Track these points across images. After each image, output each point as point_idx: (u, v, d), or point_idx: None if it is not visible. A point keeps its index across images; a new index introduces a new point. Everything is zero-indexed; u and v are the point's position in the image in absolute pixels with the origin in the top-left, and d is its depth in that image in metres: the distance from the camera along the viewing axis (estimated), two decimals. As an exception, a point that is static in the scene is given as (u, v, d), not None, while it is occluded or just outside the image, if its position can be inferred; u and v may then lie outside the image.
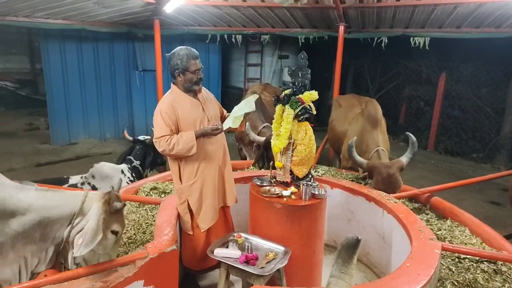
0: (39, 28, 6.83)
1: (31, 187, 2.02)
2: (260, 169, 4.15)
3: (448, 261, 2.46)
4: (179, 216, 2.87)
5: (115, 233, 2.09)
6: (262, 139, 4.18)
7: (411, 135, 3.59)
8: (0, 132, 8.86)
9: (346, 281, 1.24)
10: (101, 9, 5.89)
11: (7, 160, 6.95)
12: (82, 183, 3.84)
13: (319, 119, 9.40)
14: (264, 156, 4.16)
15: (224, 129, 2.78)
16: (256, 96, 2.91)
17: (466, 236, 2.80)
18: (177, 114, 2.68)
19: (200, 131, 2.69)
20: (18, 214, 1.90)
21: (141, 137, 4.66)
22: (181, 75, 2.70)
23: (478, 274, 2.30)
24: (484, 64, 7.99)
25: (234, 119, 2.76)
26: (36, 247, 1.99)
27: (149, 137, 4.57)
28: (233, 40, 7.62)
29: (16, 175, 5.92)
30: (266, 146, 4.06)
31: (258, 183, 2.98)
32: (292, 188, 2.82)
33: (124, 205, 2.10)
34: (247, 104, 2.77)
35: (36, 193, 1.98)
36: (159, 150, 2.67)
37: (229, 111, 3.13)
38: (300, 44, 7.24)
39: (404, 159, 3.51)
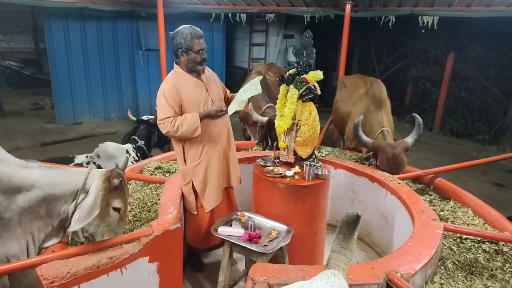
0: (42, 7, 6.76)
1: (35, 164, 2.06)
2: (264, 149, 4.16)
3: (450, 241, 2.48)
4: (183, 196, 2.90)
5: (117, 210, 2.13)
6: (265, 119, 4.17)
7: (417, 116, 3.57)
8: (7, 112, 8.89)
9: (347, 256, 1.26)
10: (104, -14, 5.80)
11: (14, 139, 7.01)
12: (88, 163, 3.87)
13: (324, 100, 9.34)
14: (268, 136, 4.17)
15: (230, 113, 2.76)
16: (260, 77, 2.89)
17: (468, 217, 2.81)
18: (180, 95, 2.65)
19: (204, 113, 2.68)
20: (24, 190, 1.94)
21: (144, 117, 4.67)
22: (184, 54, 2.65)
23: (479, 254, 2.32)
24: (493, 44, 7.82)
25: (240, 102, 2.74)
26: (42, 223, 2.04)
27: (152, 117, 4.57)
28: (238, 19, 7.49)
29: (23, 154, 5.99)
30: (269, 126, 4.05)
31: (262, 163, 2.99)
32: (296, 168, 2.82)
33: (121, 181, 2.11)
34: (253, 87, 2.74)
35: (40, 170, 2.02)
36: (163, 131, 2.66)
37: (233, 92, 3.11)
38: (306, 23, 7.11)
39: (410, 139, 3.49)
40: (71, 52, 7.88)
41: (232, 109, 2.75)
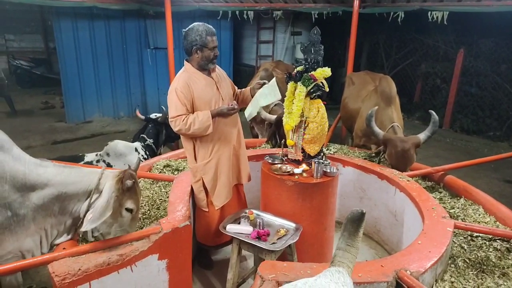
0: (51, 6, 6.82)
1: (49, 163, 2.10)
2: (274, 147, 4.16)
3: (460, 239, 2.46)
4: (192, 193, 2.92)
5: (129, 210, 2.15)
6: (273, 117, 4.17)
7: (433, 113, 3.48)
8: (18, 110, 9.02)
9: (352, 254, 1.26)
10: (112, -15, 5.84)
11: (25, 138, 7.11)
12: (97, 161, 3.90)
13: (332, 97, 9.29)
14: (276, 133, 4.16)
15: (248, 118, 2.76)
16: (274, 81, 2.88)
17: (479, 215, 2.78)
18: (192, 93, 2.65)
19: (216, 111, 2.68)
20: (38, 188, 1.99)
21: (153, 115, 4.69)
22: (198, 51, 2.65)
23: (490, 252, 2.29)
24: (504, 40, 7.69)
25: (258, 107, 2.77)
26: (55, 220, 2.09)
27: (161, 115, 4.59)
28: (245, 16, 7.48)
29: (34, 153, 6.03)
30: (277, 124, 4.05)
31: (270, 161, 2.99)
32: (304, 166, 2.82)
33: (134, 183, 2.13)
34: (272, 93, 2.75)
35: (54, 169, 2.06)
36: (175, 129, 2.66)
37: (241, 88, 3.12)
38: (313, 20, 7.07)
39: (422, 136, 3.44)
40: (80, 51, 7.95)
41: (249, 113, 2.76)
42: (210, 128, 2.64)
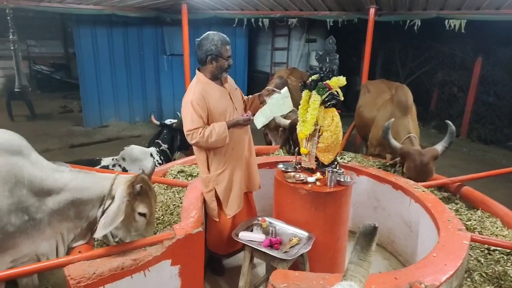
0: (71, 14, 7.00)
1: (65, 168, 2.13)
2: (288, 153, 4.17)
3: (477, 253, 2.41)
4: (205, 201, 2.93)
5: (142, 215, 2.17)
6: (287, 122, 4.19)
7: (450, 123, 3.44)
8: (37, 114, 9.24)
9: (365, 268, 1.24)
10: (131, -6, 5.97)
11: (44, 141, 7.27)
12: (113, 165, 3.96)
13: (347, 105, 9.23)
14: (290, 139, 4.17)
15: (258, 126, 2.77)
16: (287, 90, 2.89)
17: (497, 228, 2.72)
18: (208, 104, 2.62)
19: (232, 122, 2.66)
20: (54, 193, 2.02)
21: (168, 121, 4.74)
22: (213, 61, 2.62)
23: (508, 266, 2.24)
24: (524, 48, 7.57)
25: (269, 116, 2.81)
26: (71, 224, 2.12)
27: (175, 121, 4.64)
28: (260, 24, 7.53)
29: (52, 156, 6.20)
30: (291, 129, 4.07)
31: (283, 169, 2.99)
32: (318, 175, 2.81)
33: (141, 187, 2.14)
34: (285, 103, 2.79)
35: (70, 174, 2.10)
36: (191, 142, 2.63)
37: (254, 93, 3.11)
38: (329, 27, 7.08)
39: (439, 147, 3.40)
40: (99, 57, 8.13)
41: (260, 121, 2.77)
42: (227, 139, 2.62)
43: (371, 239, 1.23)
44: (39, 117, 9.20)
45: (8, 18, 2.99)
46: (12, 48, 3.05)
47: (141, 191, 2.13)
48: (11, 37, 3.03)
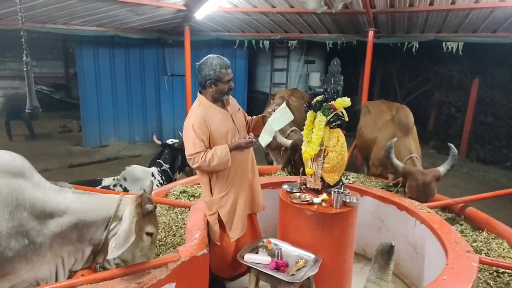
0: (74, 35, 7.10)
1: (68, 189, 2.09)
2: (289, 174, 4.14)
3: (486, 275, 2.38)
4: (208, 223, 2.88)
5: (149, 234, 2.14)
6: (289, 142, 4.19)
7: (453, 146, 3.49)
8: (37, 134, 9.22)
9: (382, 287, 1.23)
10: (134, 16, 6.06)
11: (43, 161, 7.22)
12: (114, 185, 3.94)
13: (347, 125, 9.28)
14: (292, 159, 4.16)
15: (263, 144, 2.75)
16: (285, 105, 2.90)
17: (504, 249, 2.69)
18: (209, 128, 2.59)
19: (234, 145, 2.62)
20: (56, 215, 1.96)
21: (169, 141, 4.74)
22: (212, 86, 2.59)
23: (518, 289, 2.21)
24: (520, 70, 7.69)
25: (272, 132, 2.77)
26: (73, 247, 2.06)
27: (177, 141, 4.65)
28: (261, 45, 7.65)
29: (51, 176, 6.15)
30: (293, 149, 4.06)
31: (288, 190, 2.97)
32: (323, 195, 2.79)
33: (155, 207, 2.13)
34: (284, 115, 2.75)
35: (73, 196, 2.05)
36: (193, 166, 2.59)
37: (254, 115, 3.11)
38: (328, 49, 7.20)
39: (442, 169, 3.42)
40: (100, 77, 8.19)
41: (265, 140, 2.75)
42: (229, 162, 2.59)
43: (389, 258, 1.22)
44: (38, 137, 9.17)
45: (23, 40, 3.00)
46: (25, 69, 3.05)
47: (151, 211, 2.10)
48: (24, 58, 3.04)
